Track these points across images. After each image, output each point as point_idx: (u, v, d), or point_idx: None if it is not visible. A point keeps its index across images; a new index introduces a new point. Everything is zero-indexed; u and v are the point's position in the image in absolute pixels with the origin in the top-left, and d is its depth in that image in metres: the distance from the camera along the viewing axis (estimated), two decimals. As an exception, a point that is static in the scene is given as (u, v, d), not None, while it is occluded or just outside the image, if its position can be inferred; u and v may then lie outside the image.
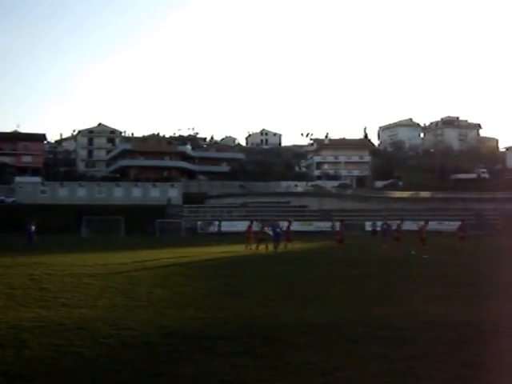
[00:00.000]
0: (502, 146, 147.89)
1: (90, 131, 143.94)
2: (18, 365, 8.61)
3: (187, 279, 20.55)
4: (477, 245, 40.56)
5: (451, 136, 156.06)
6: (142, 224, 69.77)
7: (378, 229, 42.16)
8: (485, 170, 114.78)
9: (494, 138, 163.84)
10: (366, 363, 8.61)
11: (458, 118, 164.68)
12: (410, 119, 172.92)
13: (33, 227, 42.43)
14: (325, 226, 70.48)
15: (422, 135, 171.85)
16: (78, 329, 11.16)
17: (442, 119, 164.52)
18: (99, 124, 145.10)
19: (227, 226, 72.32)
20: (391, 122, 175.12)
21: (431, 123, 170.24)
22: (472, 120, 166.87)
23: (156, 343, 10.02)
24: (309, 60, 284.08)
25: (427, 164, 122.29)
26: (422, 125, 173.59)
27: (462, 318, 12.16)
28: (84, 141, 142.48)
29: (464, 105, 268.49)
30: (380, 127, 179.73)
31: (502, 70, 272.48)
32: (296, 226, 75.25)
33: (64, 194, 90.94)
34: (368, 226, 61.80)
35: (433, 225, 71.33)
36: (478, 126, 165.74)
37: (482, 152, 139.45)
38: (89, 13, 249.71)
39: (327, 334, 10.72)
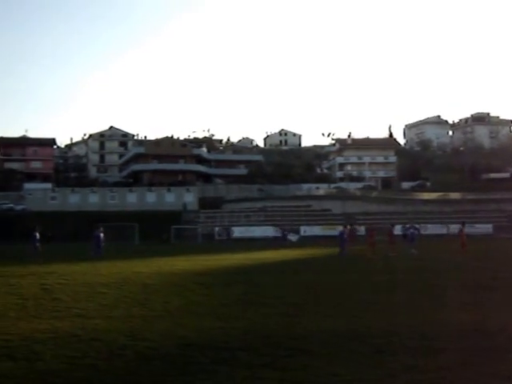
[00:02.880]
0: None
1: (102, 135, 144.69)
2: (31, 378, 8.68)
3: (205, 288, 20.58)
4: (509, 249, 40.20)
5: (482, 133, 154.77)
6: (157, 231, 70.00)
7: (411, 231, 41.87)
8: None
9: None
10: (396, 375, 8.58)
11: (488, 114, 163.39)
12: (438, 116, 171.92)
13: (37, 235, 41.59)
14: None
15: (450, 133, 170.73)
16: (93, 340, 11.24)
17: (471, 116, 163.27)
18: (110, 127, 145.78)
19: (243, 232, 72.58)
20: (418, 120, 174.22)
21: (460, 120, 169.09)
22: (504, 116, 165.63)
23: (174, 355, 10.06)
24: (330, 56, 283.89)
25: (456, 163, 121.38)
26: (450, 122, 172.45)
27: (494, 326, 12.07)
28: (95, 145, 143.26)
29: (495, 100, 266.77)
30: (406, 125, 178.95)
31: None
32: (318, 231, 75.70)
33: (75, 200, 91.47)
34: (397, 229, 61.52)
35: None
36: (511, 123, 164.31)
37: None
38: (97, 14, 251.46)
39: (353, 344, 10.68)
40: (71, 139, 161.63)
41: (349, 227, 44.17)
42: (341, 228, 40.67)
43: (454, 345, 10.48)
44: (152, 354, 10.12)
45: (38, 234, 40.99)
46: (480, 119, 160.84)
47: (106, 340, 11.28)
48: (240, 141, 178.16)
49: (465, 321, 12.81)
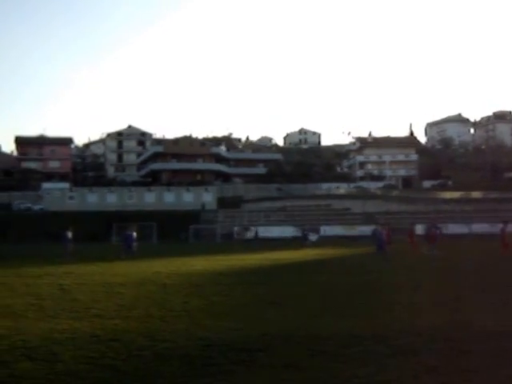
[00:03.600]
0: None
1: (119, 134, 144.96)
2: (50, 379, 8.72)
3: (224, 288, 20.58)
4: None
5: (504, 131, 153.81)
6: (176, 230, 70.12)
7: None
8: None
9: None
10: (419, 376, 8.53)
11: (510, 112, 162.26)
12: (459, 114, 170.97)
13: (69, 234, 41.35)
14: (369, 229, 70.01)
15: (472, 131, 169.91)
16: (112, 341, 11.28)
17: (493, 113, 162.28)
18: (129, 126, 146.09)
19: (263, 232, 72.39)
20: (439, 118, 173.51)
21: (482, 118, 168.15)
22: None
23: (194, 356, 10.06)
24: (350, 54, 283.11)
25: (478, 162, 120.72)
26: (472, 120, 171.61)
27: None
28: (113, 144, 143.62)
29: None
30: (427, 123, 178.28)
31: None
32: (338, 231, 75.42)
33: (93, 200, 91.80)
34: (419, 229, 61.02)
35: (485, 227, 70.59)
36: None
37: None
38: (117, 13, 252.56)
39: (374, 345, 10.63)
40: (89, 138, 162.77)
41: (386, 227, 43.80)
42: (374, 227, 40.10)
43: (477, 346, 10.38)
44: (170, 355, 10.13)
45: (70, 234, 41.09)
46: (502, 117, 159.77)
47: (124, 340, 11.31)
48: (259, 139, 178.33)
49: (489, 322, 12.69)
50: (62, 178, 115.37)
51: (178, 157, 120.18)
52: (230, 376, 8.73)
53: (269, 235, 69.61)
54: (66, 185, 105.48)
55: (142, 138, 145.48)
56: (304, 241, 58.92)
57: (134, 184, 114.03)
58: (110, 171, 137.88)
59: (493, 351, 10.02)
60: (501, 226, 36.63)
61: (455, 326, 12.38)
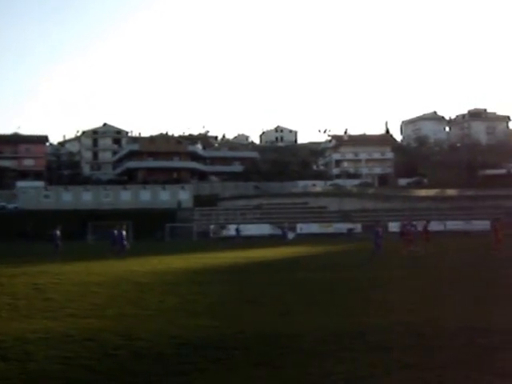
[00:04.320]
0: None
1: (95, 132, 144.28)
2: (23, 379, 8.65)
3: (199, 286, 20.60)
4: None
5: (479, 129, 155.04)
6: (151, 229, 69.99)
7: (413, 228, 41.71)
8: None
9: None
10: (391, 373, 8.58)
11: (485, 110, 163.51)
12: (435, 112, 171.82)
13: (58, 232, 40.75)
14: (344, 227, 70.41)
15: (447, 129, 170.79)
16: (86, 340, 11.21)
17: (468, 112, 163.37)
18: (104, 124, 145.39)
19: (241, 230, 72.40)
20: (414, 116, 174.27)
21: (457, 116, 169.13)
22: (501, 112, 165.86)
23: (169, 354, 10.04)
24: (326, 52, 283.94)
25: (453, 160, 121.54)
26: (447, 118, 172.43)
27: (492, 323, 12.06)
28: (88, 142, 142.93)
29: (492, 96, 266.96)
30: (402, 121, 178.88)
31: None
32: (315, 228, 75.70)
33: (68, 198, 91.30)
34: (392, 226, 61.38)
35: (460, 224, 71.29)
36: (508, 119, 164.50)
37: (511, 146, 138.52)
38: (93, 8, 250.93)
39: (350, 342, 10.67)
40: (64, 136, 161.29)
41: (425, 222, 43.75)
42: (374, 225, 39.52)
43: (450, 342, 10.47)
44: (146, 354, 10.10)
45: (58, 232, 40.58)
46: (477, 115, 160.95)
47: (99, 340, 11.25)
48: (235, 137, 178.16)
49: (463, 318, 12.80)
50: (37, 176, 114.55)
51: (154, 155, 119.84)
52: (205, 374, 8.72)
53: (246, 233, 69.66)
54: (40, 183, 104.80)
55: (117, 136, 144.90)
56: (284, 238, 59.13)
57: (110, 182, 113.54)
58: (86, 169, 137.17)
59: (466, 347, 10.12)
60: (492, 222, 36.23)
61: (429, 322, 12.46)
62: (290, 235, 68.49)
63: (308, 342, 10.71)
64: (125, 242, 39.04)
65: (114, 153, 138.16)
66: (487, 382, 8.08)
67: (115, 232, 40.08)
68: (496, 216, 38.97)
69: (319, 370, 8.79)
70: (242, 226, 71.27)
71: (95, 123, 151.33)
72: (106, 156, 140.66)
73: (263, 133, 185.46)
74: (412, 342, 10.54)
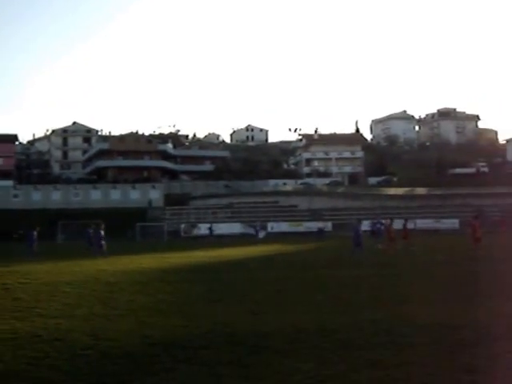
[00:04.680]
0: (501, 139, 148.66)
1: (65, 130, 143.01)
2: (-10, 379, 8.58)
3: (170, 285, 20.55)
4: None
5: (448, 128, 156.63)
6: (122, 228, 69.60)
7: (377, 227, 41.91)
8: (484, 164, 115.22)
9: (493, 130, 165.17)
10: (360, 370, 8.65)
11: (455, 109, 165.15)
12: (404, 111, 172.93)
13: (35, 233, 40.40)
14: (315, 226, 70.62)
15: (417, 128, 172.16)
16: (55, 340, 11.14)
17: (438, 111, 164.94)
18: (74, 123, 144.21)
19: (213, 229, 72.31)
20: (384, 115, 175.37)
21: (427, 115, 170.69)
22: (470, 111, 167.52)
23: (138, 354, 10.04)
24: (296, 51, 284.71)
25: (423, 159, 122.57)
26: (416, 117, 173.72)
27: (459, 321, 12.20)
28: (58, 141, 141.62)
29: (461, 95, 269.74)
30: (372, 120, 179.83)
31: (500, 59, 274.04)
32: (285, 227, 75.94)
33: (38, 198, 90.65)
34: (363, 225, 61.64)
35: (429, 223, 71.93)
36: (477, 118, 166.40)
37: (480, 145, 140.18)
38: (66, 5, 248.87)
39: (318, 340, 10.74)
40: (33, 135, 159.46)
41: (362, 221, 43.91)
42: (354, 223, 39.11)
43: (418, 340, 10.57)
44: (115, 354, 10.06)
45: (35, 234, 40.21)
46: (446, 114, 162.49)
47: (68, 340, 11.19)
48: (206, 136, 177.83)
49: (433, 315, 12.92)
50: (6, 175, 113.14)
51: (124, 154, 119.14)
52: (174, 373, 8.72)
53: (218, 232, 69.65)
54: (9, 182, 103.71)
55: (87, 134, 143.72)
56: (256, 237, 59.30)
57: (80, 181, 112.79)
58: (55, 168, 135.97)
59: (434, 344, 10.21)
60: (470, 220, 35.68)
61: (399, 320, 12.57)
62: (261, 234, 68.73)
63: (276, 341, 10.75)
64: (102, 242, 38.58)
65: (84, 152, 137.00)
66: (456, 379, 8.17)
67: (91, 231, 39.76)
68: (474, 214, 38.25)
69: (287, 368, 8.84)
70: (214, 225, 71.20)
71: (65, 122, 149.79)
72: (75, 155, 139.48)
73: (234, 132, 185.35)
74: (381, 340, 10.62)
